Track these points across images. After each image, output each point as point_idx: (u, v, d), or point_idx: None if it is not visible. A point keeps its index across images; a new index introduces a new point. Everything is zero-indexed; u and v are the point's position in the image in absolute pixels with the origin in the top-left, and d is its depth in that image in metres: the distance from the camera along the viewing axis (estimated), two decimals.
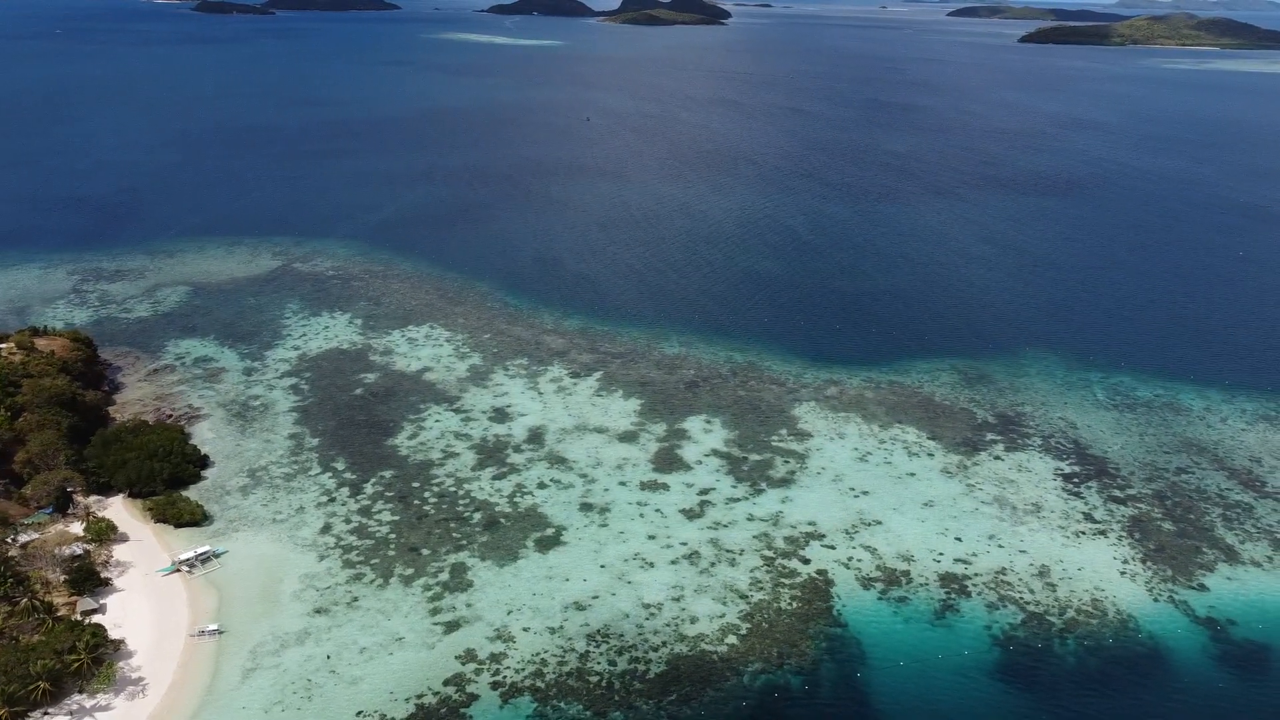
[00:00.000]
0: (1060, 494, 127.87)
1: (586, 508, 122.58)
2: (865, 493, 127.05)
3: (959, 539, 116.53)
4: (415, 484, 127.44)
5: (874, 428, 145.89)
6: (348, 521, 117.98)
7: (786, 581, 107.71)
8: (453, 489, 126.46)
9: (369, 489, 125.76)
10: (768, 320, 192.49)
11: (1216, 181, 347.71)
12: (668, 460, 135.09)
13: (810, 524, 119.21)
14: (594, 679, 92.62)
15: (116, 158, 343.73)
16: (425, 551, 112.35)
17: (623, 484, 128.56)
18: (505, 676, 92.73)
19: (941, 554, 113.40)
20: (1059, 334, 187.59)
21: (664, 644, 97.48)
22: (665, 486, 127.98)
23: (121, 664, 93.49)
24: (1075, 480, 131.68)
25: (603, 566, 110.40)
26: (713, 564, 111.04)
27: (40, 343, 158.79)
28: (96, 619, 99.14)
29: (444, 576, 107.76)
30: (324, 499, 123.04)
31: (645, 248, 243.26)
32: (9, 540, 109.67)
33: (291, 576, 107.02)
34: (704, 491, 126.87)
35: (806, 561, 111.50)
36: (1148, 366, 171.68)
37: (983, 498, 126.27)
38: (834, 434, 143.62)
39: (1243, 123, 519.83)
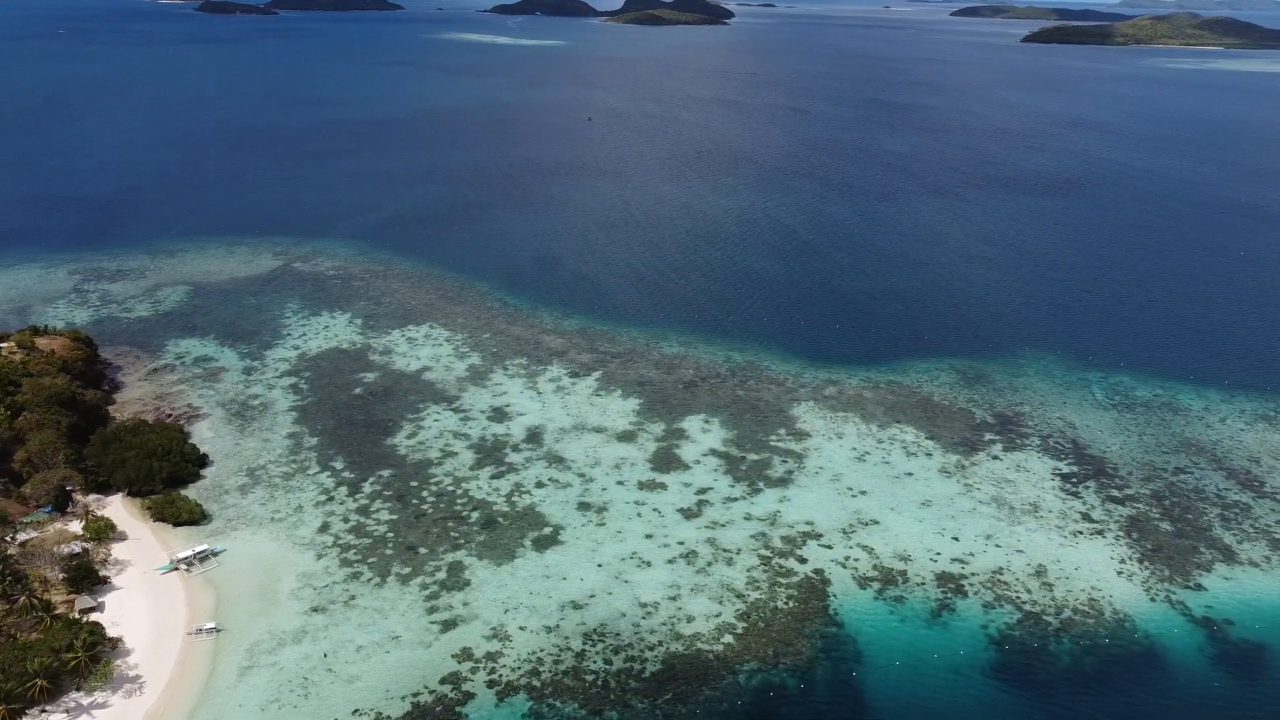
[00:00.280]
0: (1058, 494, 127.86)
1: (584, 507, 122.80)
2: (863, 492, 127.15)
3: (956, 539, 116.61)
4: (413, 483, 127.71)
5: (872, 427, 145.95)
6: (346, 520, 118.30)
7: (783, 581, 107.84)
8: (451, 488, 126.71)
9: (367, 488, 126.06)
10: (767, 320, 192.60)
11: (1217, 181, 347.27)
12: (666, 460, 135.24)
13: (808, 523, 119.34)
14: (590, 678, 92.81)
15: (118, 157, 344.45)
16: (423, 550, 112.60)
17: (620, 483, 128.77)
18: (501, 675, 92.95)
19: (939, 553, 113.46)
20: (1058, 334, 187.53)
21: (660, 643, 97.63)
22: (663, 486, 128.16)
23: (119, 662, 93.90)
24: (1073, 480, 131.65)
25: (600, 566, 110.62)
26: (710, 563, 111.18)
27: (40, 342, 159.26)
28: (94, 617, 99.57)
29: (441, 575, 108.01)
30: (322, 498, 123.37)
31: (645, 247, 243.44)
32: (8, 538, 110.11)
33: (289, 575, 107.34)
34: (702, 491, 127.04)
35: (803, 561, 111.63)
36: (1147, 366, 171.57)
37: (980, 497, 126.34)
38: (832, 434, 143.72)
39: (1244, 123, 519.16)
